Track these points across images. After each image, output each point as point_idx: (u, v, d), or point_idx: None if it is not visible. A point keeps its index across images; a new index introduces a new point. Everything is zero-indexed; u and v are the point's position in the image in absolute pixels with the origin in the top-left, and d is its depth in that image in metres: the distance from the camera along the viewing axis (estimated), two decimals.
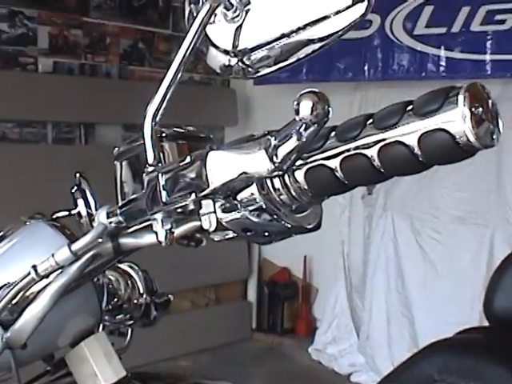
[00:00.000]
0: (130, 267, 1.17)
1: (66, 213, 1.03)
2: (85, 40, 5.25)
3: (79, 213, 1.01)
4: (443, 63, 4.48)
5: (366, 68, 4.89)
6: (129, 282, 1.16)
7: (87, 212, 1.00)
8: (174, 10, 5.62)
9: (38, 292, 0.90)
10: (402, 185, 4.64)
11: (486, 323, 1.65)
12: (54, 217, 1.03)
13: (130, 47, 5.52)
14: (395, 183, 4.65)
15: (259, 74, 0.81)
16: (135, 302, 1.16)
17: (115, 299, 1.13)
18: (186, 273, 5.04)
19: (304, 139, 0.69)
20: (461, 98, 0.64)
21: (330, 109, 0.66)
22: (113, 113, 5.14)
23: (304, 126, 0.67)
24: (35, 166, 4.66)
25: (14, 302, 0.89)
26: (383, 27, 4.77)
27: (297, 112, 0.66)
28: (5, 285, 0.91)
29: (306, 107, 0.66)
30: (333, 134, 0.73)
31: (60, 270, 0.89)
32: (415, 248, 4.63)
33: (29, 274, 0.88)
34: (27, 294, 0.90)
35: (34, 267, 0.88)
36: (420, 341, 4.34)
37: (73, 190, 1.02)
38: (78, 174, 1.03)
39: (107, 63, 5.38)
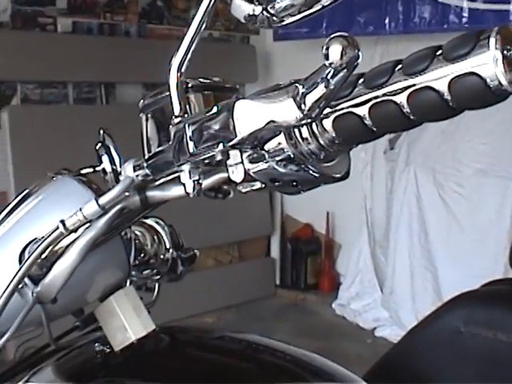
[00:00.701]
0: (156, 222, 1.17)
1: (91, 169, 1.03)
2: None
3: (104, 169, 1.00)
4: (466, 14, 4.41)
5: (386, 21, 4.84)
6: (155, 237, 1.16)
7: (112, 168, 1.00)
8: None
9: (67, 246, 0.90)
10: (425, 138, 4.61)
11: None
12: (79, 173, 1.03)
13: (149, 5, 5.49)
14: (418, 137, 4.62)
15: (283, 23, 0.80)
16: (162, 257, 1.16)
17: (142, 254, 1.14)
18: (208, 230, 5.06)
19: (332, 86, 0.68)
20: (492, 40, 0.63)
21: (360, 53, 0.66)
22: (133, 72, 5.13)
23: (333, 71, 0.66)
24: (57, 127, 4.67)
25: (43, 256, 0.89)
26: None
27: (326, 57, 0.65)
28: (34, 240, 0.91)
29: (335, 51, 0.65)
30: (361, 81, 0.72)
31: (88, 224, 0.89)
32: (438, 202, 4.61)
33: (57, 228, 0.88)
34: (56, 248, 0.90)
35: (63, 222, 0.88)
36: (444, 294, 4.34)
37: (97, 147, 1.02)
38: (101, 131, 1.03)
39: (126, 22, 5.36)
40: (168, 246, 1.17)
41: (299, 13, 0.78)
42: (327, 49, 0.65)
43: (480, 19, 4.36)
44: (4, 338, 0.90)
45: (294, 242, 5.95)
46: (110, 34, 5.30)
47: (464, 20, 4.43)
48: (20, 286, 0.89)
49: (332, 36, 0.65)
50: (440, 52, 0.67)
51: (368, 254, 5.29)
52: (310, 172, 0.76)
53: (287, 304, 5.70)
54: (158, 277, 1.18)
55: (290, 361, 1.10)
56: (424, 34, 4.67)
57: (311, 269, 5.89)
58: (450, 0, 4.47)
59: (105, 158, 1.00)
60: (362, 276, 5.33)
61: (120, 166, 0.98)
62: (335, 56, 0.65)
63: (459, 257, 4.48)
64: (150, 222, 1.17)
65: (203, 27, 0.78)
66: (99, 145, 1.02)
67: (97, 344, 1.07)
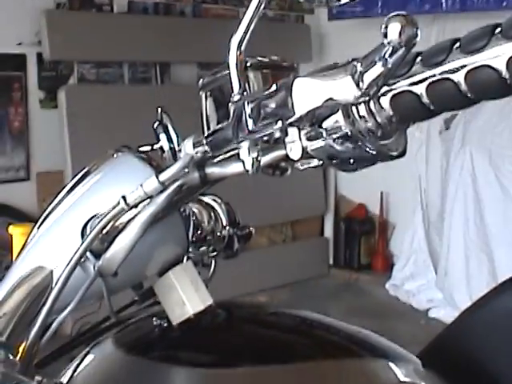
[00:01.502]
0: (214, 200, 1.19)
1: (149, 147, 1.04)
2: None
3: (162, 147, 1.02)
4: None
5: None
6: (212, 214, 1.18)
7: (170, 146, 1.01)
8: None
9: (128, 222, 0.92)
10: (481, 118, 4.56)
11: None
12: (139, 150, 1.05)
13: None
14: (473, 117, 4.57)
15: (342, 2, 0.80)
16: (218, 234, 1.18)
17: (199, 231, 1.15)
18: (262, 209, 5.07)
19: (390, 64, 0.68)
20: None
21: (419, 32, 0.66)
22: (187, 51, 5.16)
23: (391, 49, 0.67)
24: (113, 106, 4.72)
25: (104, 231, 0.92)
26: None
27: (385, 35, 0.66)
28: (95, 215, 0.93)
29: (394, 30, 0.65)
30: (418, 59, 0.73)
31: (148, 200, 0.91)
32: (494, 183, 4.56)
33: (118, 204, 0.90)
34: (117, 223, 0.92)
35: (124, 197, 0.90)
36: (499, 277, 4.30)
37: (155, 125, 1.04)
38: (159, 110, 1.04)
39: (181, 2, 5.38)
40: (224, 224, 1.18)
41: None
42: (386, 27, 0.66)
43: None
44: (67, 310, 0.93)
45: (348, 221, 5.95)
46: (165, 13, 5.33)
47: None
48: (82, 260, 0.91)
49: (391, 15, 0.66)
50: (498, 30, 0.67)
51: (422, 234, 5.26)
52: (367, 150, 0.77)
53: (340, 284, 5.71)
54: (215, 253, 1.19)
55: (346, 337, 1.12)
56: (481, 12, 4.61)
57: (365, 249, 5.88)
58: None
59: (163, 137, 1.02)
60: (416, 257, 5.31)
61: (178, 144, 1.00)
62: (394, 34, 0.65)
63: None
64: (207, 199, 1.18)
65: (262, 6, 0.79)
66: (157, 123, 1.03)
67: (155, 318, 1.09)
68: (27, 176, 4.69)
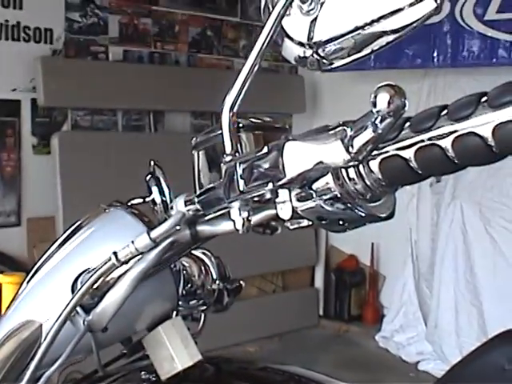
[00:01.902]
0: (204, 254, 1.19)
1: (141, 200, 1.05)
2: (154, 28, 5.31)
3: (153, 200, 1.03)
4: None
5: (435, 54, 4.84)
6: (202, 268, 1.18)
7: (161, 199, 1.02)
8: None
9: (119, 277, 0.92)
10: (472, 173, 4.59)
11: None
12: (129, 204, 1.05)
13: (199, 35, 5.56)
14: (464, 171, 4.59)
15: (333, 66, 0.82)
16: (208, 287, 1.18)
17: (189, 285, 1.16)
18: (253, 259, 5.07)
19: (380, 131, 0.70)
20: None
21: (407, 102, 0.68)
22: (181, 100, 5.20)
23: (380, 118, 0.68)
24: (106, 153, 4.74)
25: (95, 286, 0.92)
26: (453, 13, 4.72)
27: (374, 104, 0.67)
28: (86, 270, 0.94)
29: (383, 100, 0.67)
30: (407, 124, 0.74)
31: (139, 256, 0.91)
32: (485, 237, 4.58)
33: (110, 259, 0.91)
34: (108, 279, 0.93)
35: (115, 253, 0.91)
36: (489, 330, 4.30)
37: (147, 178, 1.05)
38: (152, 162, 1.06)
39: (176, 51, 5.43)
40: (215, 277, 1.19)
41: (349, 56, 0.81)
42: (375, 97, 0.67)
43: None
44: (55, 365, 0.93)
45: (339, 272, 5.95)
46: (161, 62, 5.38)
47: None
48: (72, 314, 0.92)
49: (380, 85, 0.67)
50: (485, 99, 0.69)
51: (412, 286, 5.26)
52: (357, 211, 0.78)
53: (330, 335, 5.69)
54: (205, 307, 1.19)
55: None
56: (472, 67, 4.67)
57: (355, 300, 5.87)
58: (499, 35, 4.47)
59: (155, 190, 1.03)
60: (406, 308, 5.30)
61: (169, 197, 1.01)
62: (382, 104, 0.67)
63: (505, 293, 4.44)
64: (197, 253, 1.19)
65: (256, 67, 0.81)
66: (149, 176, 1.04)
67: (143, 372, 1.09)
68: (18, 221, 4.68)
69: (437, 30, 4.78)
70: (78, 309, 0.92)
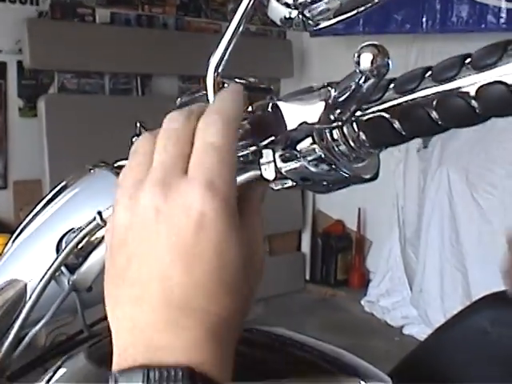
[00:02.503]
0: None
1: (127, 161, 1.05)
2: None
3: None
4: (503, 15, 4.39)
5: (423, 20, 4.82)
6: None
7: None
8: None
9: (103, 237, 0.93)
10: (459, 139, 4.60)
11: None
12: (116, 165, 1.06)
13: None
14: (451, 137, 4.61)
15: (319, 27, 0.82)
16: None
17: None
18: None
19: (363, 91, 0.70)
20: None
21: (390, 62, 0.67)
22: (169, 64, 5.17)
23: (364, 78, 0.68)
24: (93, 117, 4.72)
25: (79, 246, 0.92)
26: None
27: (357, 64, 0.67)
28: (71, 230, 0.94)
29: (366, 59, 0.67)
30: (392, 85, 0.74)
31: None
32: (470, 202, 4.60)
33: (94, 219, 0.91)
34: (92, 238, 0.93)
35: (99, 213, 0.90)
36: (473, 295, 4.33)
37: (133, 139, 1.05)
38: (138, 124, 1.05)
39: (164, 14, 5.40)
40: None
41: (335, 17, 0.80)
42: (358, 56, 0.67)
43: None
44: (40, 324, 0.93)
45: (325, 237, 5.97)
46: (148, 25, 5.35)
47: (502, 20, 4.41)
48: (57, 274, 0.92)
49: (363, 44, 0.67)
50: (469, 60, 0.69)
51: (398, 251, 5.30)
52: (341, 172, 0.78)
53: (316, 299, 5.73)
54: None
55: (316, 355, 1.12)
56: (461, 33, 4.66)
57: (341, 265, 5.90)
58: (489, 0, 4.46)
59: None
60: (391, 273, 5.34)
61: None
62: (366, 64, 0.67)
63: (490, 258, 4.47)
64: None
65: (241, 28, 0.81)
66: (135, 137, 1.04)
67: None
68: (4, 184, 4.67)
69: None
70: (63, 268, 0.93)
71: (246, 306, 0.67)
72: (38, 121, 4.60)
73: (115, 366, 0.62)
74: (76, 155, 4.04)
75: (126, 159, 1.05)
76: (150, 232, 0.63)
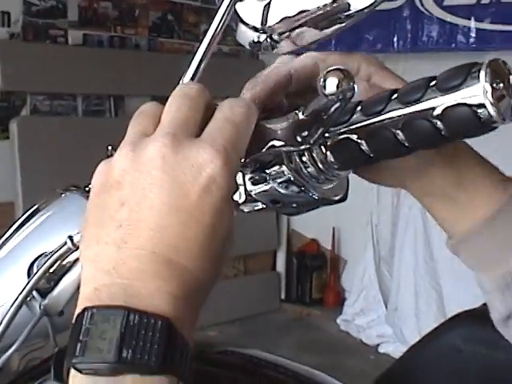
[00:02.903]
0: None
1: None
2: (114, 12, 5.27)
3: None
4: (473, 34, 4.44)
5: (395, 39, 4.87)
6: None
7: None
8: None
9: (74, 261, 0.93)
10: None
11: None
12: (87, 189, 1.06)
13: (159, 19, 5.53)
14: None
15: (287, 50, 0.83)
16: None
17: None
18: None
19: (330, 114, 0.71)
20: (482, 73, 0.66)
21: (356, 86, 0.68)
22: (142, 85, 5.17)
23: (329, 101, 0.69)
24: (66, 138, 4.71)
25: (51, 270, 0.92)
26: None
27: (323, 88, 0.68)
28: (42, 254, 0.94)
29: (331, 84, 0.68)
30: (359, 108, 0.75)
31: None
32: None
33: (65, 244, 0.91)
34: (64, 263, 0.93)
35: (71, 237, 0.91)
36: (448, 312, 4.35)
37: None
38: (109, 147, 1.06)
39: (136, 35, 5.40)
40: None
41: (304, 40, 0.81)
42: (324, 81, 0.68)
43: (487, 40, 4.39)
44: (11, 349, 0.93)
45: (300, 256, 5.97)
46: (120, 47, 5.34)
47: (471, 40, 4.45)
48: (28, 298, 0.92)
49: (329, 69, 0.68)
50: (434, 82, 0.70)
51: (373, 270, 5.30)
52: (311, 194, 0.79)
53: (292, 318, 5.72)
54: None
55: (290, 375, 1.13)
56: (432, 52, 4.70)
57: (316, 284, 5.90)
58: (458, 20, 4.51)
59: None
60: (366, 292, 5.35)
61: None
62: (331, 88, 0.68)
63: (464, 275, 4.47)
64: None
65: (213, 45, 0.81)
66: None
67: None
68: None
69: (396, 15, 4.81)
70: (34, 293, 0.93)
71: (219, 274, 0.68)
72: (10, 143, 4.57)
73: (85, 302, 0.62)
74: (49, 177, 4.03)
75: None
76: (151, 180, 0.63)
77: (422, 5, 4.72)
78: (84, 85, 4.95)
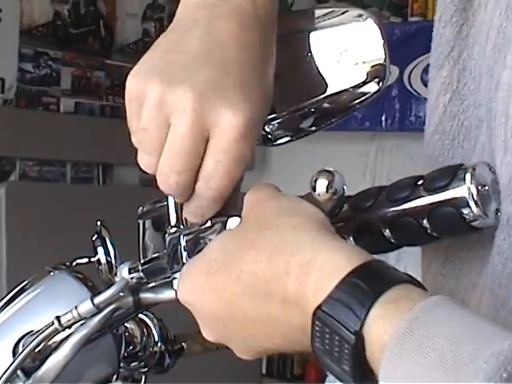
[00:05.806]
0: (146, 315, 1.20)
1: (86, 260, 1.07)
2: (106, 81, 5.33)
3: (99, 260, 1.04)
4: None
5: (383, 118, 4.92)
6: (144, 330, 1.19)
7: (106, 260, 1.04)
8: None
9: (61, 342, 0.93)
10: None
11: None
12: (74, 264, 1.07)
13: None
14: None
15: (278, 142, 0.85)
16: (150, 349, 1.19)
17: (131, 347, 1.16)
18: None
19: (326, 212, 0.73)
20: (468, 176, 0.68)
21: (345, 187, 0.70)
22: (131, 154, 5.17)
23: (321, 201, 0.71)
24: (54, 205, 4.70)
25: (36, 350, 0.92)
26: (401, 79, 4.82)
27: (313, 189, 0.70)
28: (28, 333, 0.94)
29: (321, 185, 0.70)
30: (346, 205, 0.77)
31: (82, 321, 0.92)
32: None
33: (52, 324, 0.91)
34: (50, 343, 0.93)
35: (58, 318, 0.91)
36: None
37: (93, 238, 1.06)
38: (98, 222, 1.07)
39: None
40: (156, 340, 1.20)
41: (293, 133, 0.84)
42: (315, 181, 0.70)
43: None
44: None
45: None
46: (112, 115, 5.38)
47: None
48: (12, 377, 0.92)
49: (319, 170, 0.70)
50: (421, 182, 0.72)
51: None
52: None
53: None
54: (146, 369, 1.20)
55: None
56: (419, 132, 4.75)
57: (298, 359, 5.84)
58: None
59: (100, 250, 1.04)
60: None
61: (114, 258, 1.03)
62: (321, 189, 0.70)
63: None
64: (140, 315, 1.20)
65: None
66: (95, 236, 1.06)
67: None
68: None
69: (385, 94, 4.87)
70: (19, 372, 0.92)
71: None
72: None
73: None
74: (36, 245, 4.02)
75: (87, 257, 1.07)
76: None
77: (411, 85, 4.79)
78: (74, 152, 4.97)
